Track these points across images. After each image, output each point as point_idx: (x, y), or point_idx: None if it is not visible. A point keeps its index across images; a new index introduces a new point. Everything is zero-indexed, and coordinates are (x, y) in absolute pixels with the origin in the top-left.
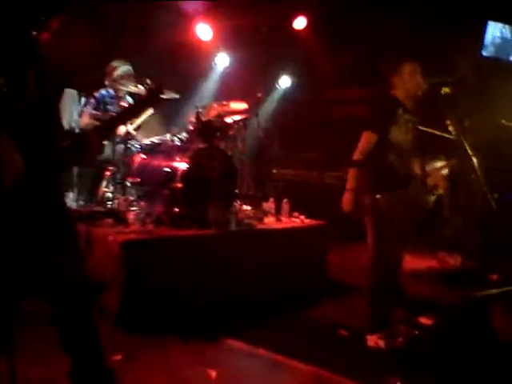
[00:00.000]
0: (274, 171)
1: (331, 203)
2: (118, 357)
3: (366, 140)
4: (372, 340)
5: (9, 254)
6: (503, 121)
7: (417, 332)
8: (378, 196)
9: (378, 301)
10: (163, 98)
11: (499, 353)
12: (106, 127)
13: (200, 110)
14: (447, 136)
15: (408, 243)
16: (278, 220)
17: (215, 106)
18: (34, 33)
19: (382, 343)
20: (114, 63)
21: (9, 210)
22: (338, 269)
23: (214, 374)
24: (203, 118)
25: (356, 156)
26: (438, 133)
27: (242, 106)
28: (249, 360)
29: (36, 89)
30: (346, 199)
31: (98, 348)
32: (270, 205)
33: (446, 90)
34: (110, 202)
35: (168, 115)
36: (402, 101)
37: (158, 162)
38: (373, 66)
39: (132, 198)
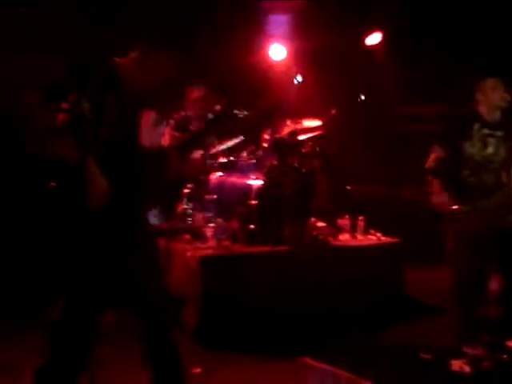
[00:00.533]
0: (349, 187)
1: (408, 219)
2: (197, 370)
3: (435, 151)
4: (457, 364)
5: (95, 272)
6: None
7: (505, 356)
8: (454, 207)
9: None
10: (236, 117)
11: None
12: (185, 147)
13: (274, 127)
14: None
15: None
16: (353, 237)
17: (289, 123)
18: (117, 59)
19: (467, 368)
20: (192, 85)
21: (95, 231)
22: (415, 288)
23: None
24: (277, 136)
25: (428, 164)
26: None
27: (316, 123)
28: (323, 379)
29: (117, 113)
30: (437, 201)
31: (178, 362)
32: (344, 221)
33: None
34: (188, 219)
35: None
36: (484, 115)
37: (233, 179)
38: (452, 81)
39: (209, 215)
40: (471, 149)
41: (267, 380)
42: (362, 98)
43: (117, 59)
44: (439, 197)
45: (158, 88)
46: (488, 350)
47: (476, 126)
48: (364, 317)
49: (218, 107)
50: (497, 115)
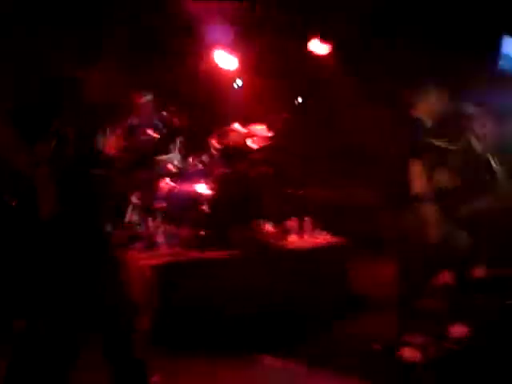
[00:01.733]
0: (296, 191)
1: (354, 221)
2: (156, 378)
3: (416, 169)
4: (407, 352)
5: (59, 284)
6: None
7: (450, 342)
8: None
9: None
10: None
11: None
12: (131, 168)
13: (221, 133)
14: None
15: None
16: (301, 238)
17: (236, 129)
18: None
19: (418, 355)
20: (138, 92)
21: (50, 239)
22: (360, 285)
23: None
24: (224, 142)
25: (419, 189)
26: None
27: (265, 130)
28: (283, 375)
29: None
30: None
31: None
32: (292, 223)
33: (469, 109)
34: (138, 227)
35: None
36: (422, 119)
37: (183, 186)
38: (394, 89)
39: (159, 222)
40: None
41: (228, 380)
42: (300, 100)
43: (76, 74)
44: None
45: (109, 100)
46: (432, 338)
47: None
48: (315, 314)
49: (164, 114)
50: (437, 124)
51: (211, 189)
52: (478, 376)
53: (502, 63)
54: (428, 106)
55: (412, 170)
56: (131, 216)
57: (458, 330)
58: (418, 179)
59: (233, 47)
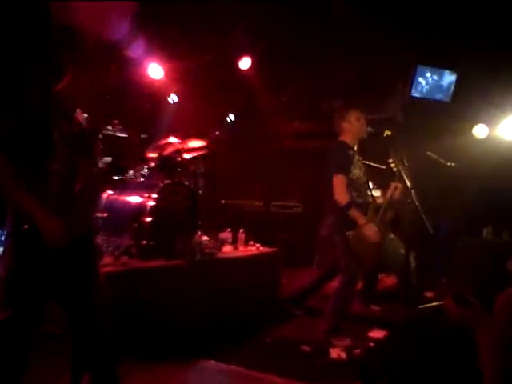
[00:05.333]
0: (223, 202)
1: (277, 230)
2: None
3: (340, 183)
4: (335, 352)
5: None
6: (429, 153)
7: (371, 344)
8: (348, 233)
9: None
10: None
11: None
12: None
13: (157, 146)
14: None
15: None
16: (236, 249)
17: (172, 142)
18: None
19: (343, 355)
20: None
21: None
22: (288, 292)
23: None
24: (163, 154)
25: (343, 199)
26: (382, 167)
27: (200, 143)
28: (221, 377)
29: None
30: (369, 231)
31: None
32: (226, 234)
33: (387, 132)
34: None
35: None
36: (349, 143)
37: (124, 197)
38: (315, 104)
39: (100, 232)
40: (355, 171)
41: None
42: (232, 118)
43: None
44: (370, 229)
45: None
46: (356, 340)
47: (351, 152)
48: (249, 319)
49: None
50: (358, 143)
51: (153, 200)
52: (395, 371)
53: (414, 90)
54: (351, 128)
55: (336, 183)
56: None
57: (378, 333)
58: (342, 192)
59: (166, 60)
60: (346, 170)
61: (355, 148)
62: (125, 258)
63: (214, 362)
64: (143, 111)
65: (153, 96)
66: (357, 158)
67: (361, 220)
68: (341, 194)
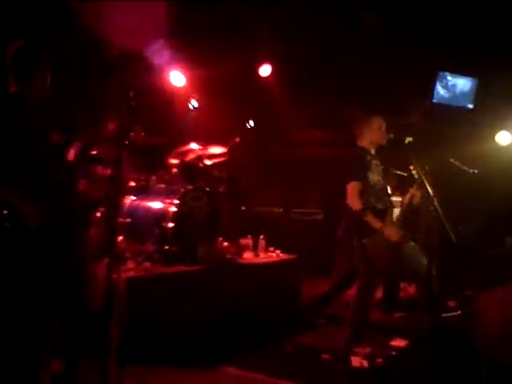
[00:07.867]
0: (243, 208)
1: (298, 237)
2: None
3: (353, 189)
4: (357, 360)
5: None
6: (451, 159)
7: (394, 353)
8: (365, 240)
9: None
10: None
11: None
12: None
13: (179, 152)
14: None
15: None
16: (256, 255)
17: (194, 148)
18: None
19: (365, 363)
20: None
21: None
22: (308, 300)
23: None
24: (185, 160)
25: (355, 204)
26: (403, 173)
27: (221, 149)
28: None
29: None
30: (390, 230)
31: None
32: (247, 241)
33: (409, 139)
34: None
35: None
36: (366, 148)
37: (147, 203)
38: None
39: (123, 238)
40: (372, 177)
41: None
42: (251, 124)
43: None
44: (391, 229)
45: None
46: (378, 348)
47: (368, 157)
48: (269, 325)
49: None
50: (376, 149)
51: (174, 205)
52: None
53: (436, 97)
54: (370, 135)
55: (349, 190)
56: (95, 230)
57: (400, 342)
58: (354, 198)
59: (188, 68)
60: (359, 178)
61: (373, 152)
62: (147, 264)
63: (234, 368)
64: (164, 117)
65: (174, 102)
66: (374, 163)
67: (377, 224)
68: (353, 200)
